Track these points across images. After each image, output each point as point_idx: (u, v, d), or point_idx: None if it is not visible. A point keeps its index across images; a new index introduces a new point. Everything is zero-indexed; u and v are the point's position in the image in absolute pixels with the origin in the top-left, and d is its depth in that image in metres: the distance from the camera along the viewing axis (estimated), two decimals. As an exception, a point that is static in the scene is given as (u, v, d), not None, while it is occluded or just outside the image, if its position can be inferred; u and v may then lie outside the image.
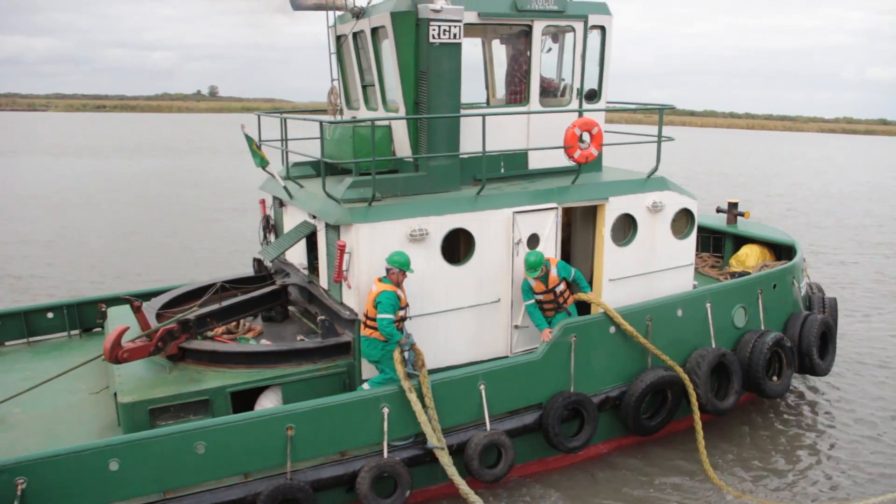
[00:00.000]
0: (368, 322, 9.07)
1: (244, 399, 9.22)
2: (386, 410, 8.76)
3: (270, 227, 12.86)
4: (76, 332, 12.85)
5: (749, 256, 13.76)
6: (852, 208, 35.35)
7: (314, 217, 10.41)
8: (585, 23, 10.96)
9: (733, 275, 13.37)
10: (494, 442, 9.17)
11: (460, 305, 10.02)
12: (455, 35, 9.76)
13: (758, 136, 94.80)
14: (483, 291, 10.14)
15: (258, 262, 12.86)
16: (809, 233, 27.88)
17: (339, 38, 11.82)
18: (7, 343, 12.45)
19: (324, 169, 9.83)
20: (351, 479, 8.57)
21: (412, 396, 8.75)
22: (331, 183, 10.17)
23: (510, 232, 10.14)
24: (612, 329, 10.23)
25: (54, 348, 12.40)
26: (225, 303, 10.41)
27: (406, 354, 9.00)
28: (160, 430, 8.09)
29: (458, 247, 10.32)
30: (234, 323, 10.67)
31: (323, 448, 8.57)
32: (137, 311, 9.52)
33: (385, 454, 8.63)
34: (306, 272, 11.36)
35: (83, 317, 12.95)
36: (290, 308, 11.44)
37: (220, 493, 8.11)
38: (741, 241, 14.39)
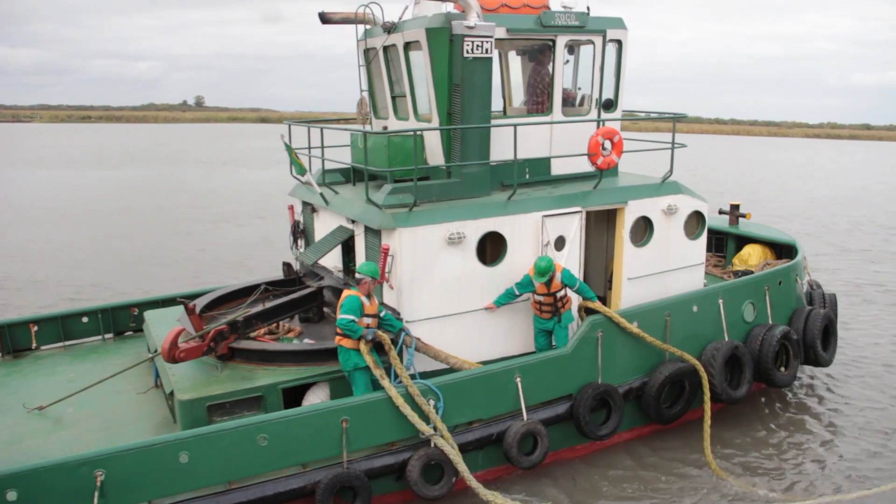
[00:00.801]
0: (338, 330, 9.32)
1: (292, 395, 9.61)
2: (433, 402, 9.21)
3: (300, 232, 13.23)
4: (110, 335, 13.16)
5: (752, 255, 14.40)
6: (837, 213, 35.90)
7: (353, 222, 10.82)
8: (604, 37, 11.51)
9: (736, 273, 13.96)
10: (531, 431, 9.65)
11: None
12: (487, 50, 10.26)
13: (743, 141, 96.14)
14: None
15: (287, 266, 13.26)
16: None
17: (367, 51, 12.26)
18: (43, 347, 12.71)
19: (366, 176, 10.26)
20: (401, 467, 9.00)
21: (386, 383, 9.03)
22: (372, 189, 10.60)
23: (539, 234, 10.64)
24: (635, 324, 10.76)
25: (91, 351, 12.68)
26: (269, 304, 10.79)
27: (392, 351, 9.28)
28: (226, 423, 8.46)
29: (486, 249, 10.78)
30: (274, 324, 11.04)
31: (375, 439, 8.99)
32: (192, 313, 9.86)
33: (433, 444, 9.07)
34: (341, 275, 11.75)
35: (116, 321, 13.26)
36: (325, 309, 11.83)
37: (281, 482, 8.49)
38: (743, 241, 15.02)
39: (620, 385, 10.57)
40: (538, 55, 11.87)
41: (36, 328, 12.79)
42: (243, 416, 9.12)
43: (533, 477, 10.21)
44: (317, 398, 9.63)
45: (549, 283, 10.31)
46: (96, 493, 7.70)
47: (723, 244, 15.50)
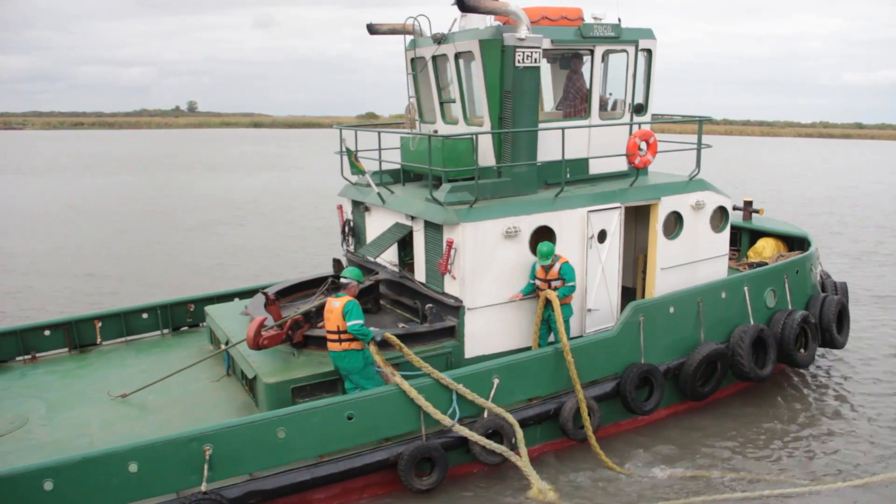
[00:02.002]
0: (342, 336, 9.54)
1: None
2: (496, 380, 9.94)
3: (350, 230, 13.89)
4: (167, 330, 13.76)
5: (766, 248, 15.25)
6: (832, 214, 36.03)
7: (412, 218, 11.51)
8: (636, 46, 12.31)
9: (751, 265, 14.79)
10: (586, 406, 10.40)
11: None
12: (536, 59, 11.01)
13: (736, 141, 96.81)
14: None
15: (337, 262, 13.94)
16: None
17: (413, 59, 12.97)
18: (104, 343, 13.27)
19: (430, 176, 10.97)
20: (467, 440, 9.72)
21: (398, 379, 9.42)
22: (422, 188, 11.29)
23: (584, 228, 11.41)
24: (672, 309, 11.57)
25: (153, 345, 13.27)
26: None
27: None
28: (319, 401, 9.15)
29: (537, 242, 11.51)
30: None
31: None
32: (272, 303, 10.51)
33: (486, 416, 9.83)
34: (396, 269, 12.43)
35: (174, 317, 13.86)
36: (381, 301, 12.51)
37: (366, 455, 9.20)
38: (756, 235, 15.89)
39: (661, 365, 11.36)
40: (569, 63, 12.63)
41: (100, 324, 13.37)
42: (322, 397, 9.78)
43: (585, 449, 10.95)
44: (386, 380, 10.32)
45: (548, 269, 10.74)
46: (205, 466, 8.36)
47: (737, 238, 16.32)
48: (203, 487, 8.30)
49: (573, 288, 10.88)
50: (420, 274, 11.63)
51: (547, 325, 11.09)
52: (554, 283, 10.81)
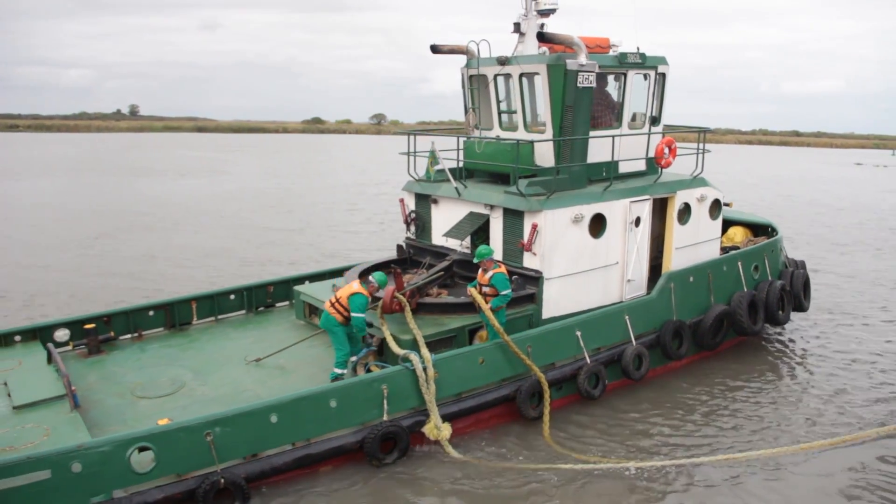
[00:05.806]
0: (337, 305, 10.87)
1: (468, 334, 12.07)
2: (578, 333, 12.00)
3: (413, 220, 15.52)
4: (245, 310, 14.93)
5: (737, 234, 18.00)
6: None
7: (490, 207, 13.34)
8: (656, 70, 14.66)
9: (724, 249, 17.44)
10: (639, 352, 12.67)
11: (596, 266, 13.38)
12: (592, 81, 13.13)
13: (680, 147, 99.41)
14: (609, 256, 13.55)
15: (399, 247, 15.61)
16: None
17: (472, 77, 14.79)
18: (194, 323, 14.30)
19: (515, 173, 12.89)
20: (570, 377, 11.74)
21: (386, 330, 11.05)
22: (487, 183, 13.09)
23: (626, 215, 13.63)
24: (691, 279, 13.99)
25: (245, 322, 14.47)
26: (432, 272, 13.20)
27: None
28: (459, 350, 10.92)
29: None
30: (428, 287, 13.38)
31: (549, 358, 11.68)
32: (398, 276, 12.10)
33: (588, 360, 11.90)
34: (468, 251, 14.19)
35: (257, 298, 15.07)
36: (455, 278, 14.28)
37: (493, 392, 11.06)
38: (727, 224, 18.64)
39: (687, 321, 13.76)
40: (597, 82, 14.80)
41: (196, 305, 14.40)
42: (441, 351, 11.50)
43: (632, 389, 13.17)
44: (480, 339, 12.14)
45: (485, 272, 11.40)
46: (385, 402, 10.01)
47: None
48: (385, 417, 9.94)
49: (507, 297, 11.30)
50: (497, 253, 13.47)
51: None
52: (486, 289, 11.37)
